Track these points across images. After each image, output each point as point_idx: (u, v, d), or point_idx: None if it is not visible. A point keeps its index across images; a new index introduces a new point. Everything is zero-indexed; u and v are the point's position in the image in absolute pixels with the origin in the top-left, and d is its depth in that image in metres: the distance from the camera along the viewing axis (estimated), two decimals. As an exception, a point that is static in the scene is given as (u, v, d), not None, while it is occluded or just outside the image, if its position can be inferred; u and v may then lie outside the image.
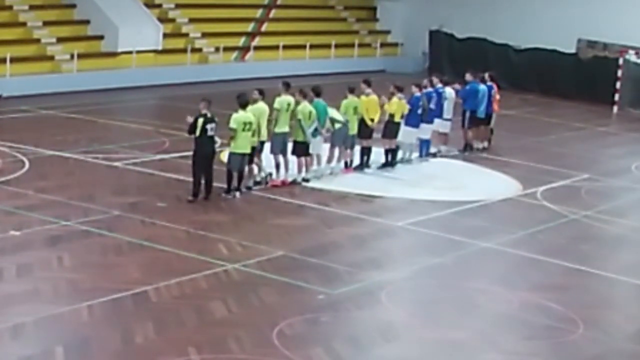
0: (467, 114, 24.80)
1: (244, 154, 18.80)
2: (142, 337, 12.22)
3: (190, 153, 18.76)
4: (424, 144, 23.56)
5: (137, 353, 11.83)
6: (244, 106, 18.77)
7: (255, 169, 19.71)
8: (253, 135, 18.79)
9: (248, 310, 13.47)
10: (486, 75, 25.41)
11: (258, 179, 19.74)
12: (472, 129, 25.03)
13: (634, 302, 15.77)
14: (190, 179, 18.67)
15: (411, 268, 16.00)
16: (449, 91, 24.28)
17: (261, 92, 19.39)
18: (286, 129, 19.96)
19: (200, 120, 18.25)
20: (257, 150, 19.36)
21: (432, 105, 23.33)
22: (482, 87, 25.03)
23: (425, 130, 23.30)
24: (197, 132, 18.25)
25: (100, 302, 13.19)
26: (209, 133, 18.30)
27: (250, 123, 18.67)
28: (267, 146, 19.91)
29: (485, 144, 25.61)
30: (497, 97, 25.64)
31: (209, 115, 18.35)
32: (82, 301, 13.13)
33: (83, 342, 12.01)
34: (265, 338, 12.43)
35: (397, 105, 22.06)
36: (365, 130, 21.69)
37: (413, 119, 22.69)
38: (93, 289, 13.62)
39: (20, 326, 12.24)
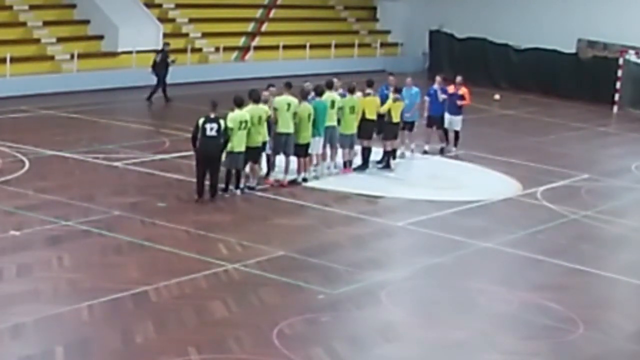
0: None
1: (239, 152, 18.79)
2: (142, 337, 12.23)
3: (191, 153, 18.77)
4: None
5: (137, 353, 11.84)
6: (239, 105, 18.79)
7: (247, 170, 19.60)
8: (249, 134, 18.83)
9: (248, 310, 13.48)
10: (407, 80, 23.86)
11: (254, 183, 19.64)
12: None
13: (634, 302, 15.77)
14: (192, 179, 18.69)
15: (411, 268, 16.00)
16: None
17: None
18: (287, 130, 19.94)
19: (200, 121, 18.26)
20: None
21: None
22: (415, 91, 23.56)
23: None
24: (199, 132, 18.29)
25: (100, 302, 13.19)
26: (208, 133, 18.23)
27: (246, 122, 18.68)
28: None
29: (445, 144, 24.74)
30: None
31: (211, 116, 18.33)
32: (82, 301, 13.13)
33: (83, 342, 12.02)
34: (265, 338, 12.43)
35: (391, 106, 21.98)
36: (365, 130, 21.69)
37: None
38: (93, 289, 13.62)
39: (20, 326, 12.24)
